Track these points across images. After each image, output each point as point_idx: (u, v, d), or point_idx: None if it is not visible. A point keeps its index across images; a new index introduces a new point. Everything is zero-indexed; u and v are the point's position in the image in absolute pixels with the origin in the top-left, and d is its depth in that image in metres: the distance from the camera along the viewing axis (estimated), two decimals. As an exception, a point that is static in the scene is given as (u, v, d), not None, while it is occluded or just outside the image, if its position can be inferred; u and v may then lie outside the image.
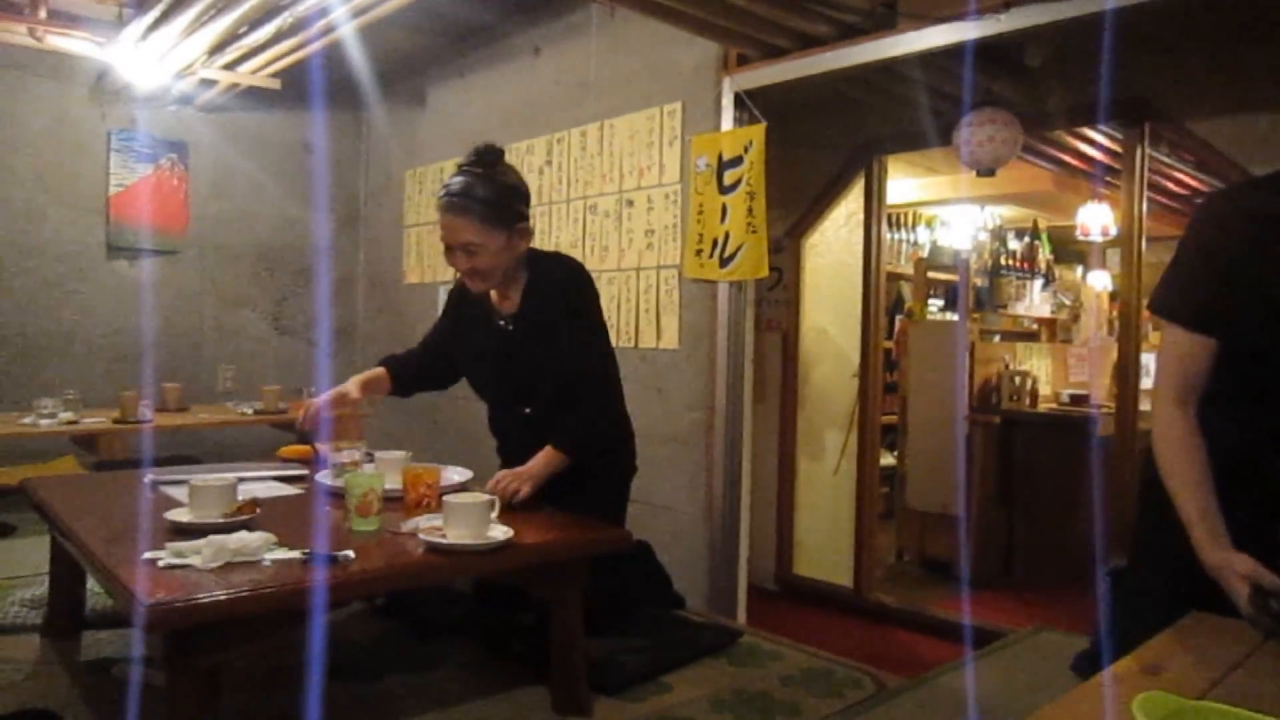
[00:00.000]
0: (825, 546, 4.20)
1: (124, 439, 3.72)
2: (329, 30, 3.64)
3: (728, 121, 3.31)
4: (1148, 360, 3.65)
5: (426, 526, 1.83)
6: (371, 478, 1.93)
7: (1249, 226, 1.35)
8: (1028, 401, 4.66)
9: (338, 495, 2.07)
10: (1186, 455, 1.34)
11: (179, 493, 2.21)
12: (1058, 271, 6.56)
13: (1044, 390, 4.98)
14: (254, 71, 4.25)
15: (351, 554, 1.69)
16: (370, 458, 2.36)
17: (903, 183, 5.17)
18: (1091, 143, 4.28)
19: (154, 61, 3.97)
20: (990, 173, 3.39)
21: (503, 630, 2.38)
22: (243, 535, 1.67)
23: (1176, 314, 1.40)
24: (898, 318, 5.23)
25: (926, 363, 4.56)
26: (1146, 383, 3.47)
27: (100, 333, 4.67)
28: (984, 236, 5.93)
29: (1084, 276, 6.88)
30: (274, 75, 4.32)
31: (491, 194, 2.12)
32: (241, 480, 2.02)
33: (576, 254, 3.75)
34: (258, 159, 5.14)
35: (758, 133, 3.19)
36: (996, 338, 5.55)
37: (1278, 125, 3.70)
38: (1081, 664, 1.66)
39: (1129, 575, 1.55)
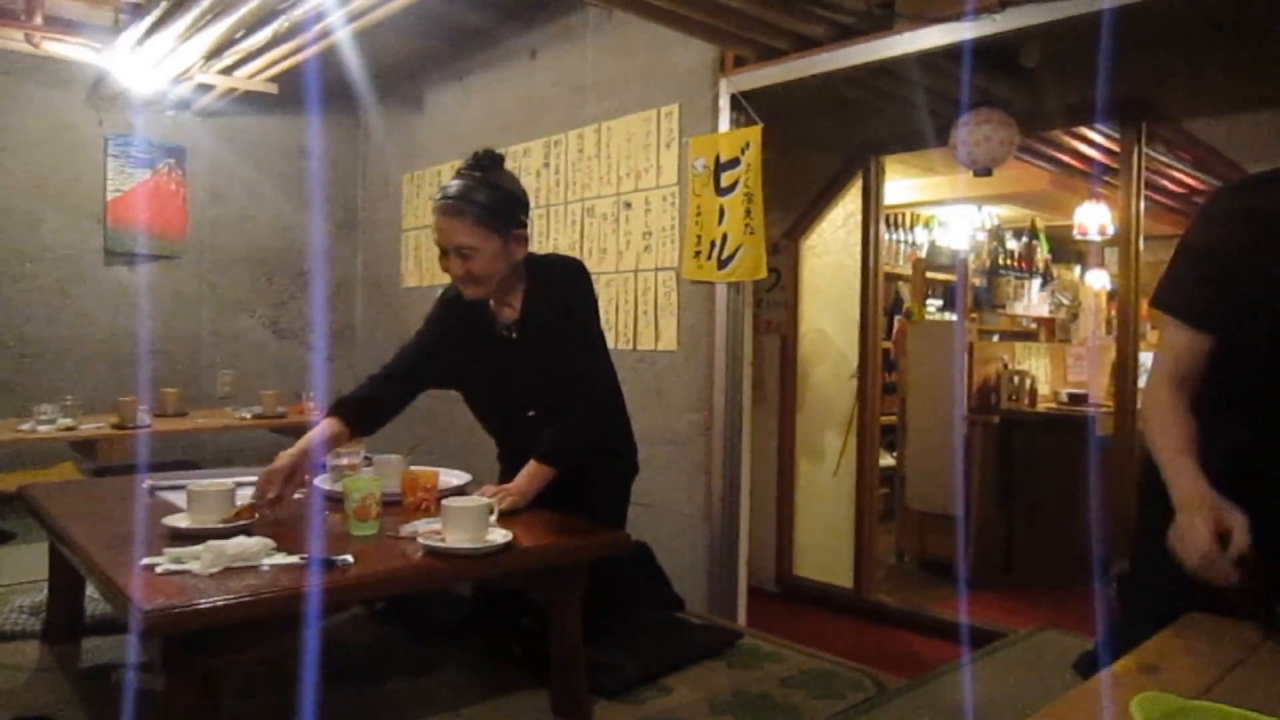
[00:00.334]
0: (825, 547, 4.20)
1: (123, 444, 3.71)
2: (325, 34, 3.64)
3: (725, 123, 3.32)
4: (1146, 359, 3.64)
5: (425, 530, 1.83)
6: (370, 481, 1.93)
7: (1252, 223, 1.34)
8: (1026, 401, 4.66)
9: (336, 499, 2.06)
10: (1173, 414, 1.34)
11: (177, 498, 2.21)
12: (1056, 271, 6.56)
13: (1043, 390, 4.99)
14: (251, 76, 4.25)
15: (350, 558, 1.69)
16: (369, 461, 2.36)
17: (900, 183, 5.18)
18: (1089, 142, 4.29)
19: (151, 66, 3.97)
20: (987, 173, 3.39)
21: (502, 633, 2.38)
22: (241, 540, 1.67)
23: (1175, 310, 1.40)
24: (896, 318, 5.23)
25: (925, 363, 4.56)
26: (1145, 381, 3.47)
27: (98, 338, 4.67)
28: (982, 236, 5.94)
29: (1082, 276, 6.89)
30: (271, 80, 4.32)
31: (488, 198, 2.10)
32: (240, 485, 2.01)
33: (574, 256, 3.75)
34: (255, 163, 5.15)
35: (755, 134, 3.19)
36: (995, 337, 5.55)
37: (1274, 124, 3.71)
38: (1083, 664, 1.65)
39: (1131, 578, 1.54)
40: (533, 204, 2.54)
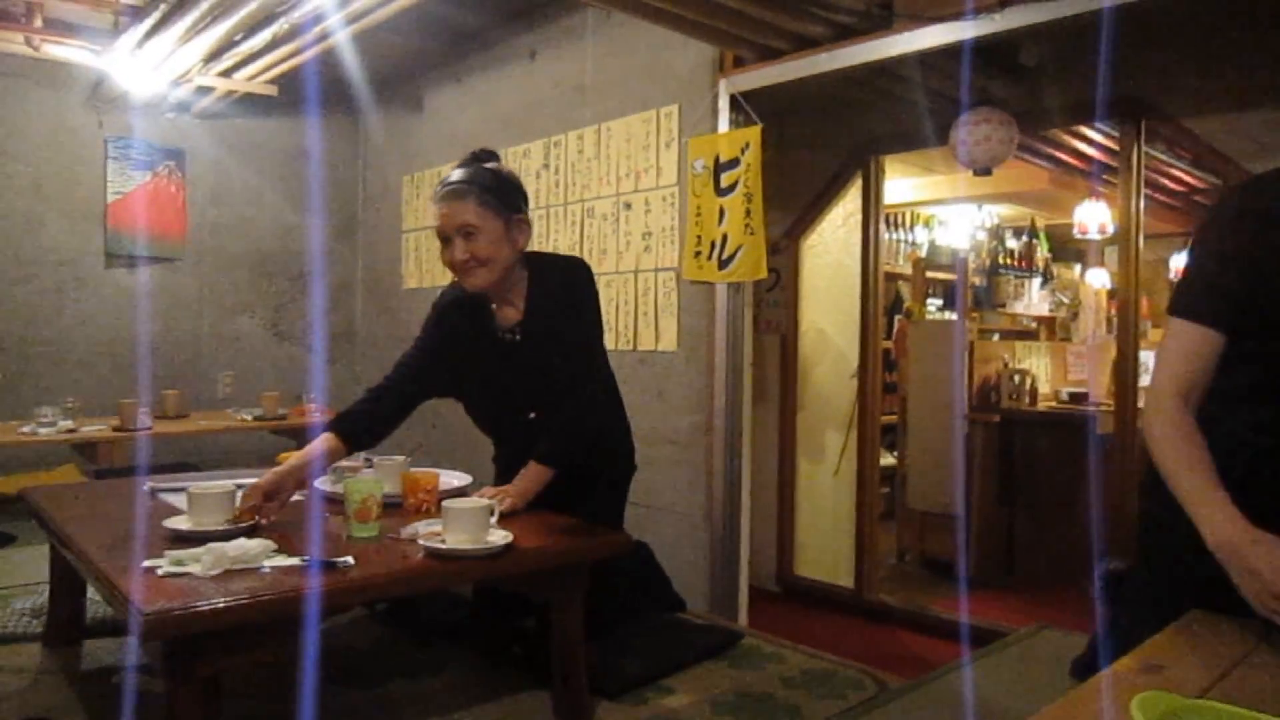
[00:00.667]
0: (826, 547, 4.20)
1: (123, 446, 3.72)
2: (325, 36, 3.64)
3: (724, 123, 3.32)
4: (1146, 358, 3.65)
5: (426, 532, 1.83)
6: (370, 483, 1.93)
7: (1265, 219, 1.33)
8: (1027, 400, 4.66)
9: (337, 501, 2.06)
10: (1189, 442, 1.29)
11: (178, 500, 2.21)
12: (1056, 270, 6.56)
13: (1043, 389, 4.98)
14: (250, 78, 4.25)
15: (351, 560, 1.69)
16: (369, 463, 2.36)
17: (900, 183, 5.17)
18: (1088, 141, 4.29)
19: (150, 69, 3.98)
20: (987, 172, 3.39)
21: (503, 635, 2.38)
22: (242, 542, 1.67)
23: (1188, 310, 1.37)
24: (896, 317, 5.23)
25: (925, 362, 4.56)
26: (1146, 380, 3.47)
27: (99, 340, 4.67)
28: (982, 235, 5.94)
29: (1082, 274, 6.89)
30: (270, 82, 4.32)
31: (489, 181, 2.11)
32: (240, 487, 2.01)
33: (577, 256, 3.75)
34: (255, 165, 5.15)
35: (754, 134, 3.19)
36: (995, 337, 5.55)
37: (1273, 122, 3.71)
38: (1078, 667, 1.64)
39: (1133, 577, 1.53)
40: (532, 205, 2.53)
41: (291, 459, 2.09)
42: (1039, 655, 2.56)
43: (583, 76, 3.89)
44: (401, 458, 2.31)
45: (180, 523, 1.87)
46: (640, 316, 3.63)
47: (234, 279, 5.12)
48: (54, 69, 4.37)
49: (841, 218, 4.22)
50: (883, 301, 4.25)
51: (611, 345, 2.50)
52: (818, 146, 4.19)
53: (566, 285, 2.21)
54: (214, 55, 3.86)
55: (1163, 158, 4.41)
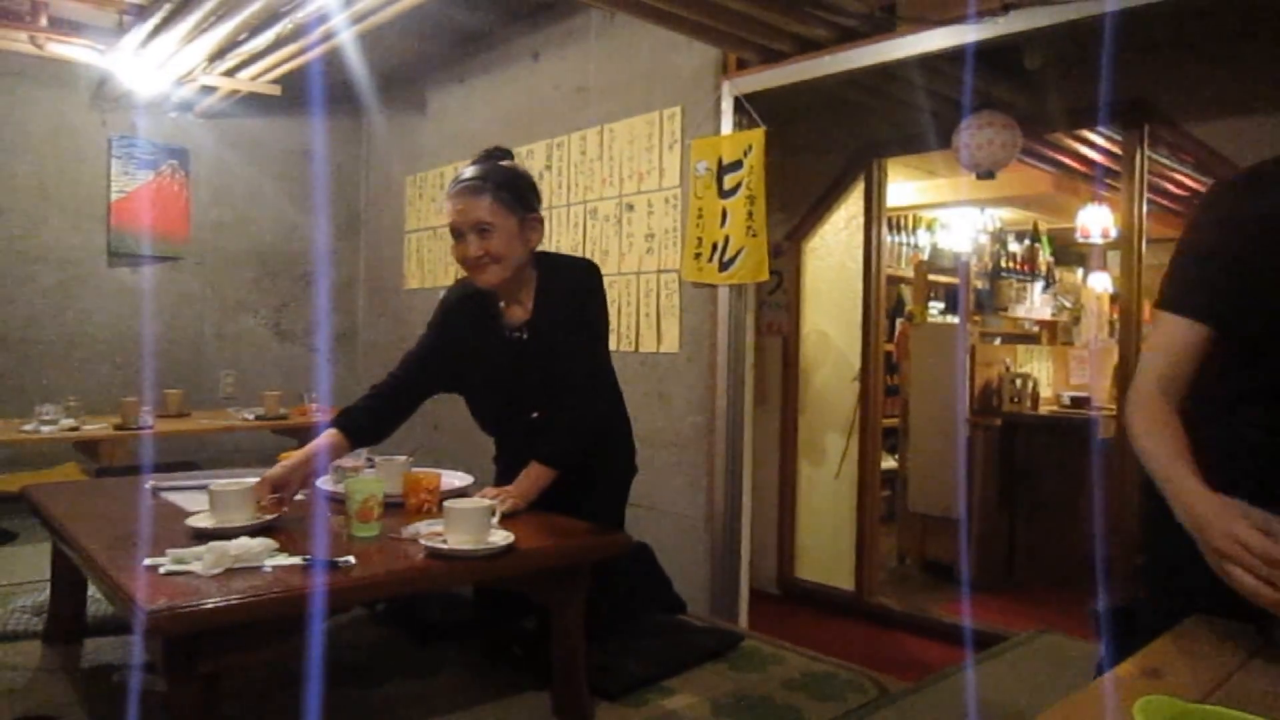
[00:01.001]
0: (827, 550, 4.20)
1: (125, 445, 3.72)
2: (329, 36, 3.65)
3: (727, 125, 3.32)
4: (1148, 362, 3.65)
5: (427, 532, 1.83)
6: (372, 483, 1.93)
7: (1251, 211, 1.31)
8: (1029, 404, 4.66)
9: (338, 501, 2.06)
10: (1163, 427, 1.26)
11: (180, 498, 2.22)
12: (1058, 274, 6.55)
13: (1045, 393, 4.98)
14: (254, 78, 4.26)
15: (352, 559, 1.69)
16: (371, 463, 2.36)
17: (902, 186, 5.17)
18: (1091, 145, 4.28)
19: (154, 68, 3.98)
20: (990, 175, 3.39)
21: (503, 635, 2.38)
22: (244, 541, 1.67)
23: (1172, 303, 1.34)
24: (898, 321, 5.23)
25: (927, 365, 4.56)
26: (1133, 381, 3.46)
27: (101, 339, 4.67)
28: (984, 239, 5.93)
29: (1084, 279, 6.88)
30: (274, 81, 4.33)
31: (504, 179, 2.12)
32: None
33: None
34: (258, 165, 5.15)
35: (757, 137, 3.20)
36: (997, 340, 5.54)
37: (1277, 126, 3.70)
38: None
39: (1140, 606, 1.44)
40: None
41: (296, 454, 2.09)
42: (1039, 659, 2.56)
43: (586, 78, 3.90)
44: (403, 458, 2.31)
45: (202, 520, 1.87)
46: (642, 318, 3.64)
47: (236, 278, 5.12)
48: (58, 68, 4.38)
49: (844, 220, 4.22)
50: (885, 304, 4.25)
51: (613, 347, 2.50)
52: (820, 149, 4.20)
53: (575, 287, 2.22)
54: (218, 54, 3.87)
55: (1166, 162, 4.40)
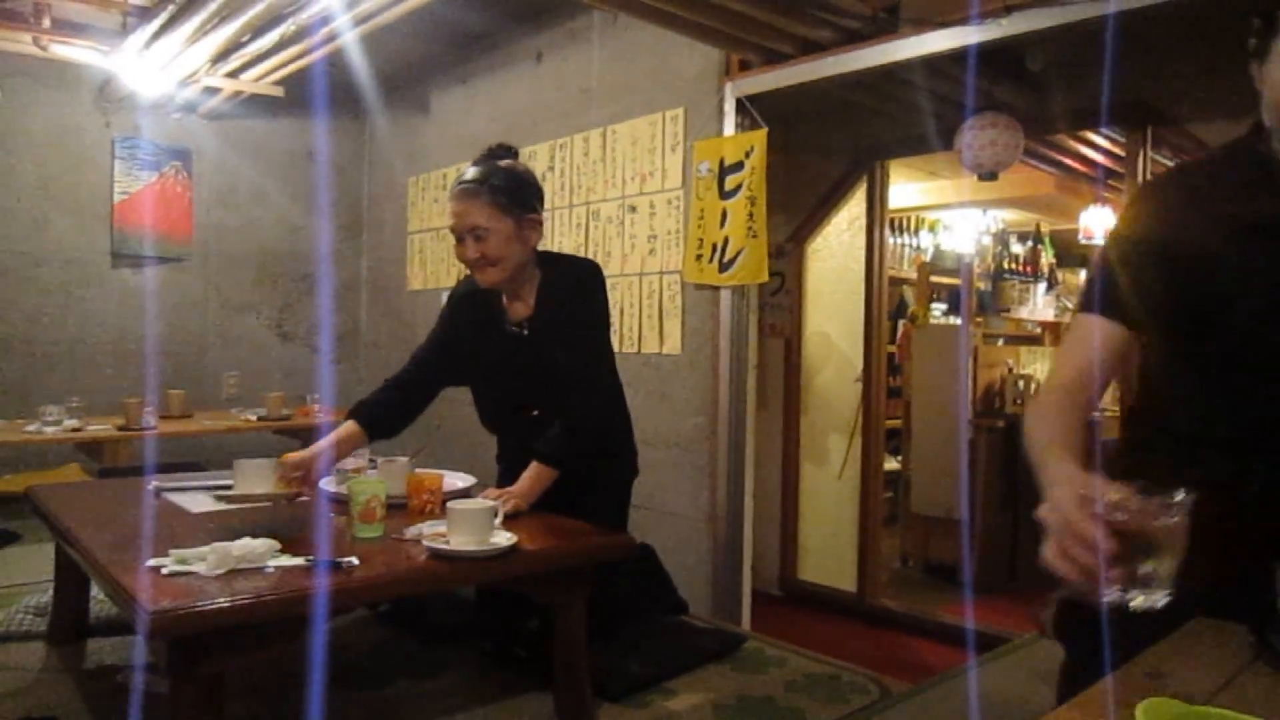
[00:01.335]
0: (829, 551, 4.20)
1: (128, 446, 3.73)
2: (332, 37, 3.65)
3: (730, 127, 3.32)
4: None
5: (430, 533, 1.83)
6: (375, 484, 1.93)
7: (1168, 206, 1.25)
8: (1031, 405, 4.65)
9: (341, 502, 2.07)
10: (1052, 414, 1.18)
11: (182, 499, 2.22)
12: (1061, 275, 6.55)
13: (1047, 394, 4.96)
14: (257, 79, 4.26)
15: (355, 560, 1.69)
16: (373, 464, 2.36)
17: (905, 187, 5.17)
18: (1094, 146, 4.28)
19: (158, 69, 3.99)
20: (992, 177, 3.39)
21: (506, 636, 2.38)
22: (246, 542, 1.67)
23: (1083, 304, 1.26)
24: (901, 322, 5.23)
25: (930, 367, 4.55)
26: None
27: (105, 340, 4.68)
28: (987, 240, 5.93)
29: (1087, 280, 6.86)
30: (277, 83, 4.33)
31: (502, 181, 2.13)
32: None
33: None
34: (261, 166, 5.16)
35: (759, 138, 3.20)
36: (1000, 341, 5.54)
37: None
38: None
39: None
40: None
41: (317, 444, 2.14)
42: (1041, 661, 2.55)
43: (589, 79, 3.90)
44: (406, 459, 2.32)
45: (230, 491, 1.95)
46: (645, 319, 3.64)
47: (239, 279, 5.13)
48: (61, 69, 4.39)
49: (846, 222, 4.22)
50: (887, 306, 4.25)
51: (616, 348, 2.50)
52: (823, 150, 4.20)
53: (577, 286, 2.23)
54: (221, 56, 3.87)
55: (1168, 163, 4.40)
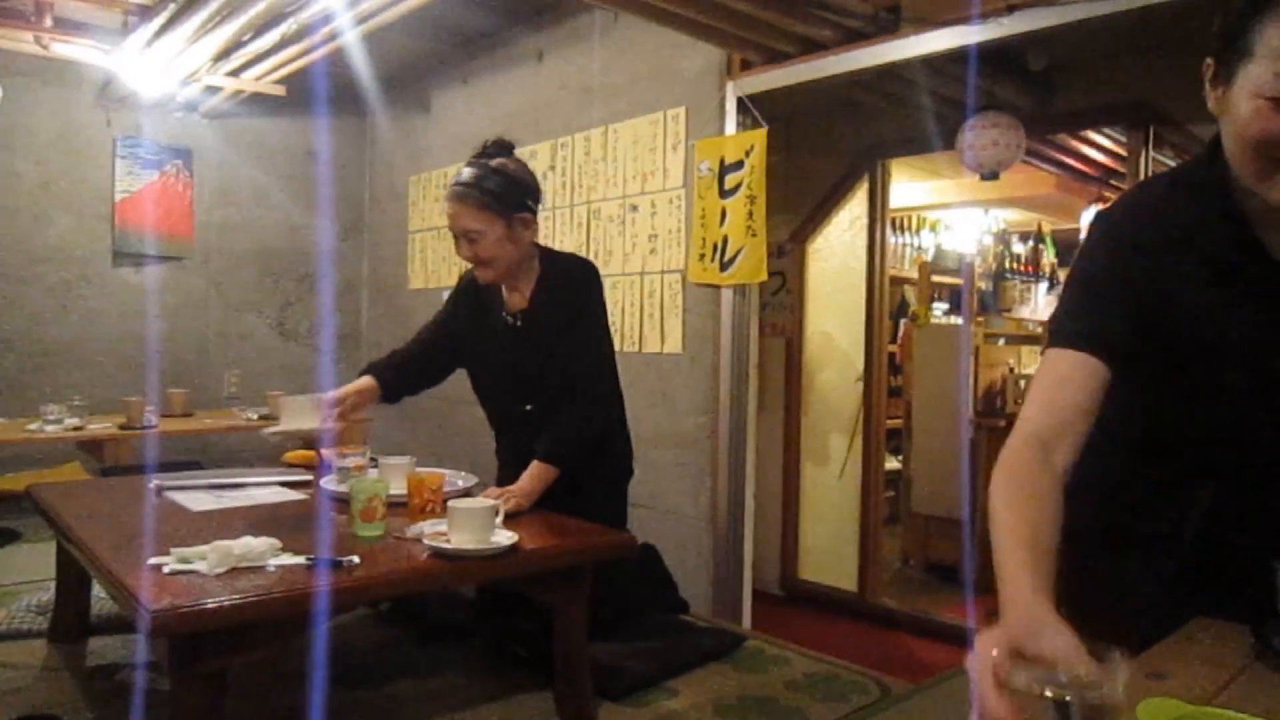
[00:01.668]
0: (830, 551, 4.20)
1: (130, 444, 3.73)
2: (333, 37, 3.65)
3: (731, 126, 3.32)
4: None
5: (431, 532, 1.83)
6: (376, 483, 1.93)
7: (1137, 246, 1.15)
8: (1032, 405, 4.64)
9: (342, 501, 2.07)
10: (1023, 498, 1.04)
11: (184, 498, 2.22)
12: (1062, 275, 6.54)
13: (1049, 394, 4.96)
14: (258, 78, 4.26)
15: (356, 559, 1.69)
16: (374, 463, 2.36)
17: (906, 186, 5.17)
18: (1095, 146, 4.28)
19: (159, 68, 3.99)
20: (994, 176, 3.39)
21: (507, 635, 2.38)
22: (247, 540, 1.68)
23: (1056, 337, 1.14)
24: (902, 322, 5.23)
25: (931, 367, 4.55)
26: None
27: (106, 338, 4.68)
28: (988, 240, 5.92)
29: (1088, 280, 6.85)
30: (278, 82, 4.33)
31: (492, 183, 2.15)
32: (245, 486, 2.03)
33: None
34: (262, 165, 5.16)
35: (760, 137, 3.20)
36: (1001, 341, 5.53)
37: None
38: None
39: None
40: (539, 206, 2.55)
41: (347, 386, 2.26)
42: (1043, 661, 2.56)
43: (590, 78, 3.90)
44: (407, 458, 2.32)
45: (277, 426, 2.10)
46: (646, 319, 3.64)
47: (241, 278, 5.13)
48: (63, 68, 4.39)
49: (847, 221, 4.22)
50: (888, 305, 4.25)
51: (617, 347, 2.51)
52: (824, 150, 4.20)
53: (572, 284, 2.27)
54: (222, 55, 3.87)
55: (1170, 163, 4.40)
